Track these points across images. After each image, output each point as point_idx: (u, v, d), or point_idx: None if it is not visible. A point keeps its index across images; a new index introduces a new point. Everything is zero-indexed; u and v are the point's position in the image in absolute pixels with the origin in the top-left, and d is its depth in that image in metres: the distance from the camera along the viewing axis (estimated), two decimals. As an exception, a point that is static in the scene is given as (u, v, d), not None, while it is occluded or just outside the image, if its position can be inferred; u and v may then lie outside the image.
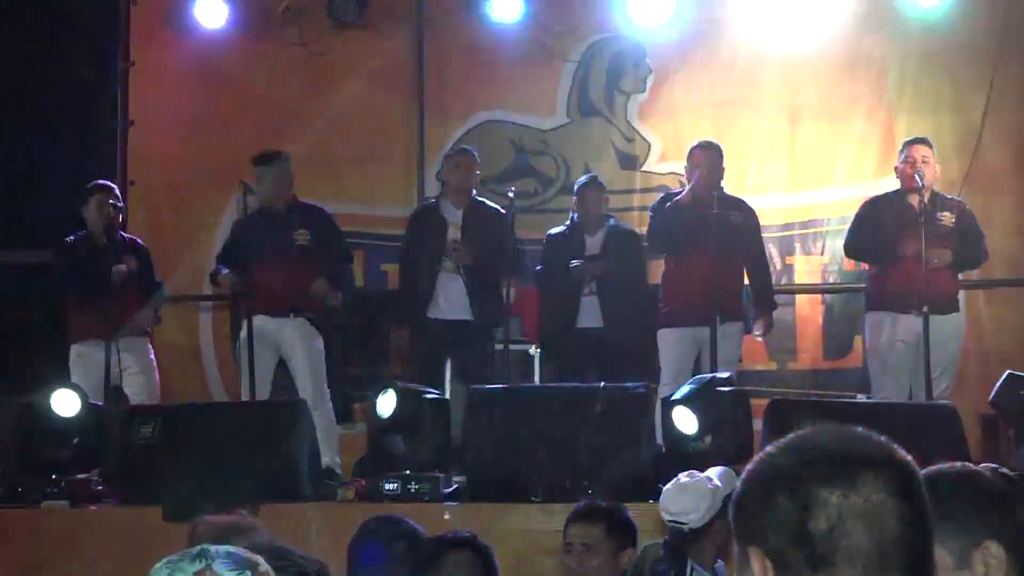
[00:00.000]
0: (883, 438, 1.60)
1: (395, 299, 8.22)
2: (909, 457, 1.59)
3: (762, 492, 1.57)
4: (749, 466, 1.62)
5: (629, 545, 4.52)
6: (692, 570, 4.58)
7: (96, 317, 7.39)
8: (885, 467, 1.55)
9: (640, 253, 8.18)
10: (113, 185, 8.00)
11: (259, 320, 7.46)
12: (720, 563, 4.65)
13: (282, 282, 7.52)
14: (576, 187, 8.21)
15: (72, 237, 7.74)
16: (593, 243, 7.98)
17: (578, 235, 8.02)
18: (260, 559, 2.01)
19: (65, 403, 6.58)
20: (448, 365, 7.91)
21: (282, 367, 7.71)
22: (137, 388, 7.57)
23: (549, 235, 8.20)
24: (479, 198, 7.98)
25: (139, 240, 8.01)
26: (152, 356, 7.81)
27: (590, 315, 7.87)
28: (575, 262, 7.81)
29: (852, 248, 7.87)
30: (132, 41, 9.48)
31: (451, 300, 7.73)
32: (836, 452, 1.56)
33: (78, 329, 7.62)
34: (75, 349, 7.61)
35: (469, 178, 7.93)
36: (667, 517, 4.54)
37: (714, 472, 4.65)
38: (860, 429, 1.60)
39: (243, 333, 7.48)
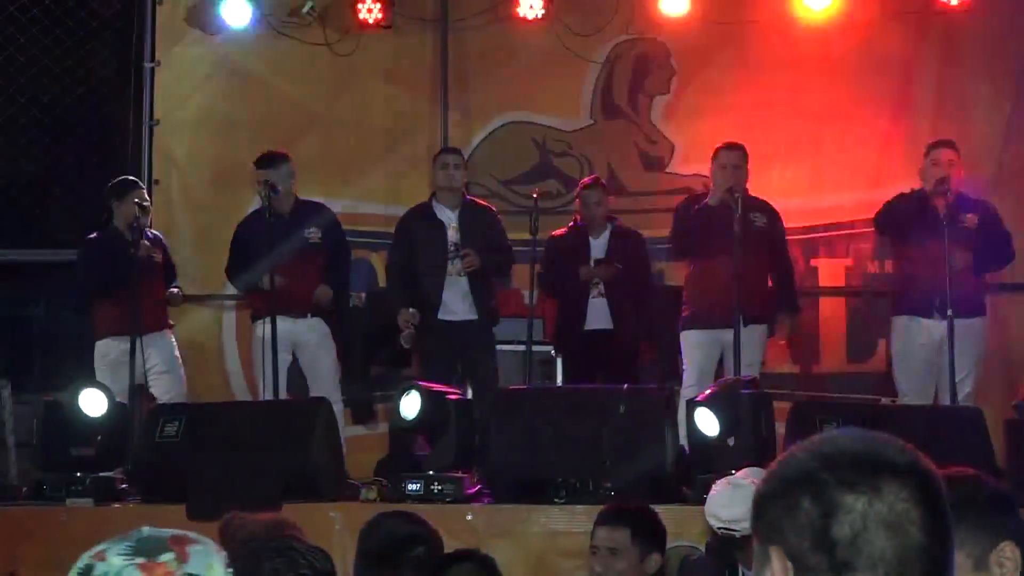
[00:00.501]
0: (907, 444, 1.59)
1: (387, 298, 8.12)
2: (932, 465, 1.58)
3: (786, 494, 1.56)
4: (773, 465, 1.62)
5: (656, 550, 4.45)
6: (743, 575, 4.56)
7: (121, 313, 7.42)
8: (909, 474, 1.54)
9: (646, 253, 8.19)
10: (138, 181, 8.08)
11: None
12: None
13: (297, 282, 7.55)
14: (578, 189, 8.22)
15: (97, 233, 7.79)
16: (597, 245, 7.99)
17: (581, 237, 8.02)
18: (179, 547, 1.86)
19: (92, 403, 6.60)
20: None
21: (294, 367, 7.75)
22: (164, 386, 7.61)
23: (552, 237, 8.19)
24: (469, 197, 8.01)
25: (159, 234, 8.06)
26: (177, 353, 7.86)
27: (599, 317, 7.88)
28: (583, 269, 7.83)
29: (882, 215, 7.68)
30: (157, 40, 9.51)
31: (457, 302, 7.74)
32: (862, 457, 1.55)
33: (103, 325, 7.65)
34: (100, 346, 7.65)
35: (457, 177, 7.93)
36: (717, 524, 4.48)
37: (750, 474, 4.61)
38: (884, 434, 1.59)
39: (259, 333, 7.52)
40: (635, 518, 4.51)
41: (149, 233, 7.86)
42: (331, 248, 7.83)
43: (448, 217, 7.85)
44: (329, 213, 7.95)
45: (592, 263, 7.96)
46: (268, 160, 7.74)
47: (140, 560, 1.84)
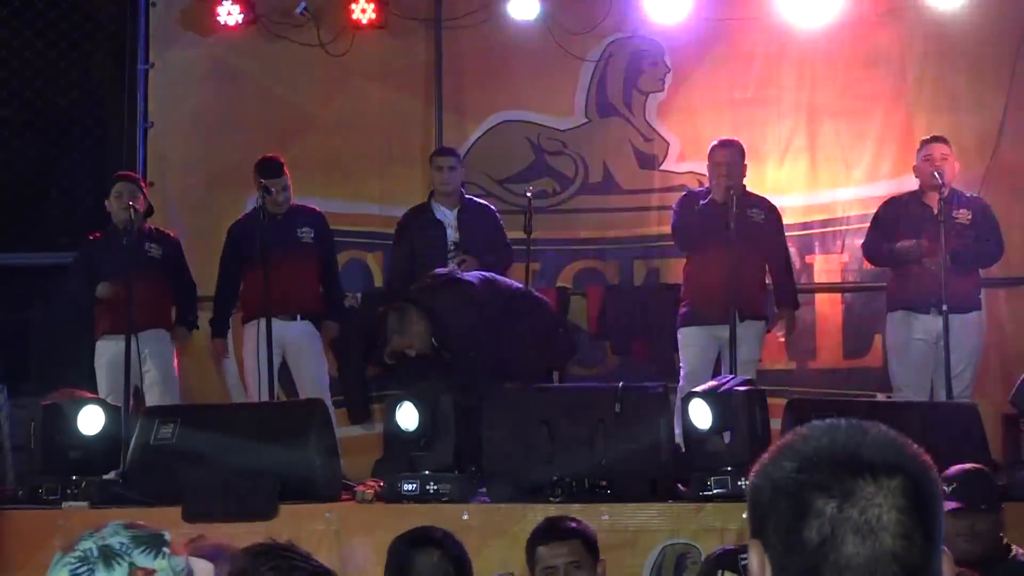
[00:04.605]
0: (900, 441, 1.55)
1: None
2: (925, 464, 1.54)
3: (769, 491, 1.56)
4: (765, 457, 1.60)
5: (599, 557, 4.47)
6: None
7: (116, 312, 7.42)
8: (890, 476, 1.50)
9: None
10: (135, 176, 8.04)
11: (264, 322, 7.53)
12: None
13: (288, 283, 7.55)
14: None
15: (96, 233, 7.82)
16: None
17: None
18: None
19: (90, 421, 6.57)
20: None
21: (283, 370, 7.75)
22: (156, 397, 7.60)
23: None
24: (468, 196, 8.01)
25: (168, 232, 8.05)
26: (174, 359, 7.88)
27: None
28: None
29: (868, 252, 7.83)
30: (151, 43, 9.51)
31: None
32: (841, 458, 1.52)
33: (100, 325, 7.66)
34: (98, 346, 7.66)
35: (452, 180, 7.92)
36: None
37: None
38: (878, 429, 1.56)
39: (250, 334, 7.52)
40: (581, 530, 4.50)
41: (152, 228, 7.86)
42: (325, 250, 7.85)
43: (447, 216, 7.84)
44: (320, 214, 8.00)
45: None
46: (269, 170, 7.74)
47: None
